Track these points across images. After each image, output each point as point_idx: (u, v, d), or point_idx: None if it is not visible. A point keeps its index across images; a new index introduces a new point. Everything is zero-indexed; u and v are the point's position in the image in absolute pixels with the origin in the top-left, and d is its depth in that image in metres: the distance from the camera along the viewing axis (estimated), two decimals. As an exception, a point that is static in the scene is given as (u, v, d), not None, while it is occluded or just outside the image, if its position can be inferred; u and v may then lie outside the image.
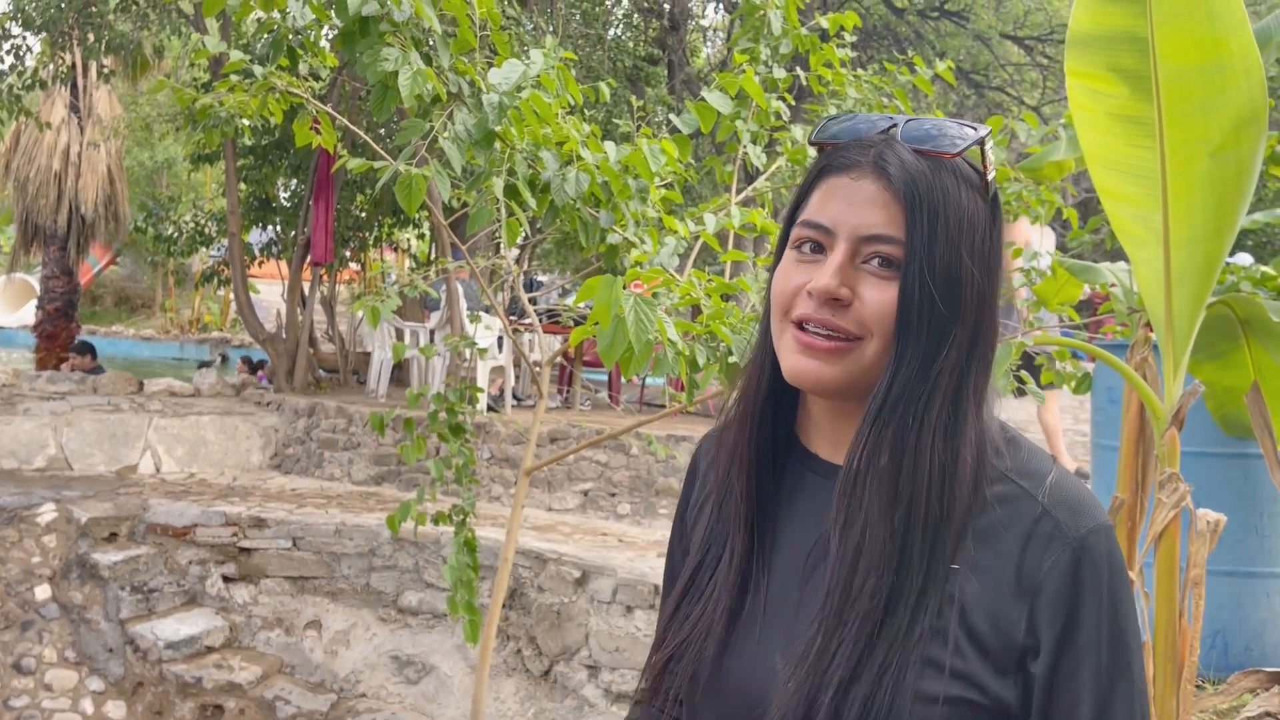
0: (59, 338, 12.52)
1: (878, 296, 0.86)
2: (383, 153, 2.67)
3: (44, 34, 8.94)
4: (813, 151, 3.38)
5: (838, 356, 0.87)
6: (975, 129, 0.89)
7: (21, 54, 9.31)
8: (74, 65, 11.77)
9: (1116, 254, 2.54)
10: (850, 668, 0.83)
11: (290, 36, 2.51)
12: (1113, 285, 2.64)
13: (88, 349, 10.58)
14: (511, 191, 2.61)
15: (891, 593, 0.84)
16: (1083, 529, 0.85)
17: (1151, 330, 2.27)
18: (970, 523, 0.86)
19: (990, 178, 0.89)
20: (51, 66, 10.00)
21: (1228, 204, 1.86)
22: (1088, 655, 0.83)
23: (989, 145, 0.89)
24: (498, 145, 2.58)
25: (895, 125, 0.90)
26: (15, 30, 9.06)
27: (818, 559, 0.91)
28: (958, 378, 0.87)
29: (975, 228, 0.87)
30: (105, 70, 10.92)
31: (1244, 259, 5.31)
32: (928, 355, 0.86)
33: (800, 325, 0.89)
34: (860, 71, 3.86)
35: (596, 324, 1.86)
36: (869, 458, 0.87)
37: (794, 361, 0.89)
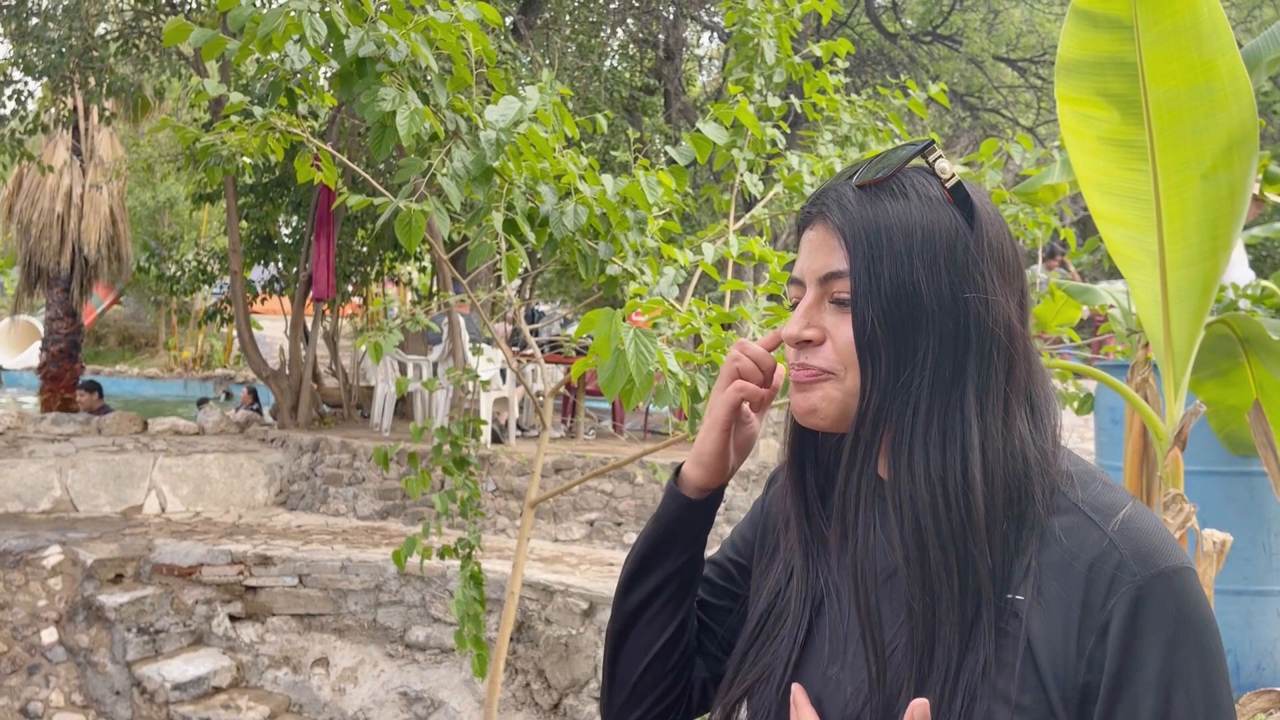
0: (63, 379, 12.54)
1: (841, 330, 0.90)
2: (383, 189, 2.68)
3: (45, 79, 9.03)
4: (809, 179, 3.40)
5: (817, 384, 0.92)
6: (913, 145, 0.91)
7: (23, 99, 9.40)
8: (75, 109, 11.87)
9: (1117, 273, 2.54)
10: (908, 698, 0.84)
11: (289, 78, 2.54)
12: (1111, 306, 2.64)
13: (94, 387, 10.60)
14: (511, 226, 2.63)
15: (928, 622, 0.84)
16: (1152, 569, 0.81)
17: (1151, 351, 2.27)
18: (1033, 555, 0.84)
19: (950, 184, 0.90)
20: (53, 111, 10.08)
21: (1222, 224, 1.87)
22: (1144, 702, 0.78)
23: (934, 155, 0.90)
24: (496, 180, 2.60)
25: (856, 171, 0.94)
26: (17, 76, 9.15)
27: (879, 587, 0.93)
28: (945, 390, 0.87)
29: (935, 238, 0.88)
30: (106, 113, 11.01)
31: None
32: (897, 373, 0.88)
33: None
34: (854, 97, 3.89)
35: (597, 357, 1.87)
36: (863, 477, 0.91)
37: (792, 402, 0.95)
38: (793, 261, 3.03)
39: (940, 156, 0.91)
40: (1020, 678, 0.81)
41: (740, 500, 6.51)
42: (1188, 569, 0.82)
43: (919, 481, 0.86)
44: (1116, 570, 0.81)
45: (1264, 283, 3.16)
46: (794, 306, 0.96)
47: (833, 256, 0.91)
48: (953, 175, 0.91)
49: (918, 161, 0.91)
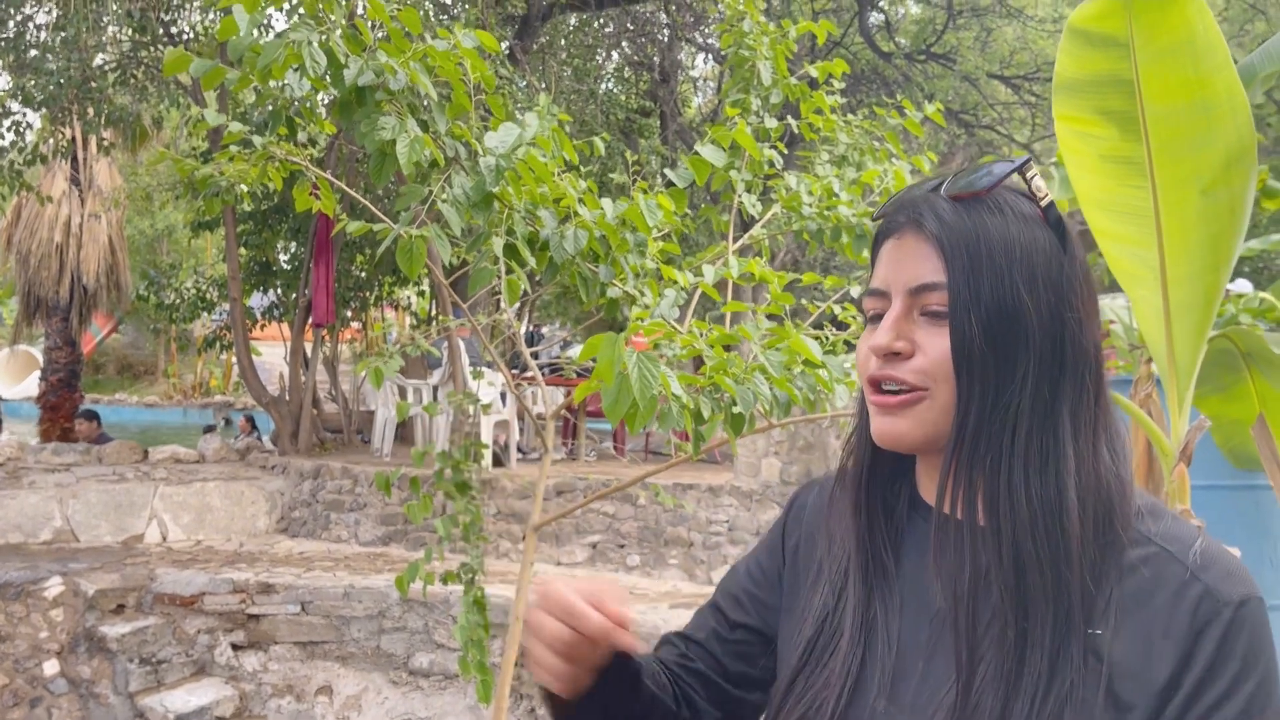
0: (62, 408, 12.54)
1: (934, 343, 0.87)
2: (382, 216, 2.69)
3: (44, 110, 9.07)
4: (807, 199, 3.40)
5: (906, 409, 0.89)
6: (1011, 162, 0.90)
7: (22, 130, 9.44)
8: (74, 139, 11.92)
9: (1118, 288, 2.55)
10: None
11: (289, 107, 2.55)
12: (1113, 322, 2.64)
13: (93, 416, 10.59)
14: (511, 250, 2.63)
15: (1018, 647, 0.82)
16: (1235, 596, 0.81)
17: (1154, 366, 2.27)
18: (1114, 587, 0.84)
19: (1045, 204, 0.90)
20: (51, 141, 10.12)
21: (1223, 239, 1.88)
22: (1221, 713, 0.79)
23: (1031, 174, 0.89)
24: (496, 205, 2.61)
25: (942, 182, 0.92)
26: (15, 107, 9.20)
27: (943, 615, 0.89)
28: (1044, 410, 0.86)
29: (1033, 256, 0.87)
30: (105, 143, 11.07)
31: (1244, 285, 5.32)
32: (998, 391, 0.85)
33: (875, 387, 0.91)
34: (851, 117, 3.90)
35: (601, 381, 1.87)
36: (957, 503, 0.88)
37: (875, 425, 0.92)
38: (794, 281, 3.03)
39: (1037, 174, 0.90)
40: (1102, 710, 0.81)
41: (744, 521, 6.49)
42: (1261, 599, 0.84)
43: (1020, 506, 0.84)
44: (1199, 602, 0.81)
45: (1263, 295, 3.17)
46: (872, 319, 0.93)
47: (925, 266, 0.88)
48: (1047, 195, 0.90)
49: (1013, 178, 0.90)
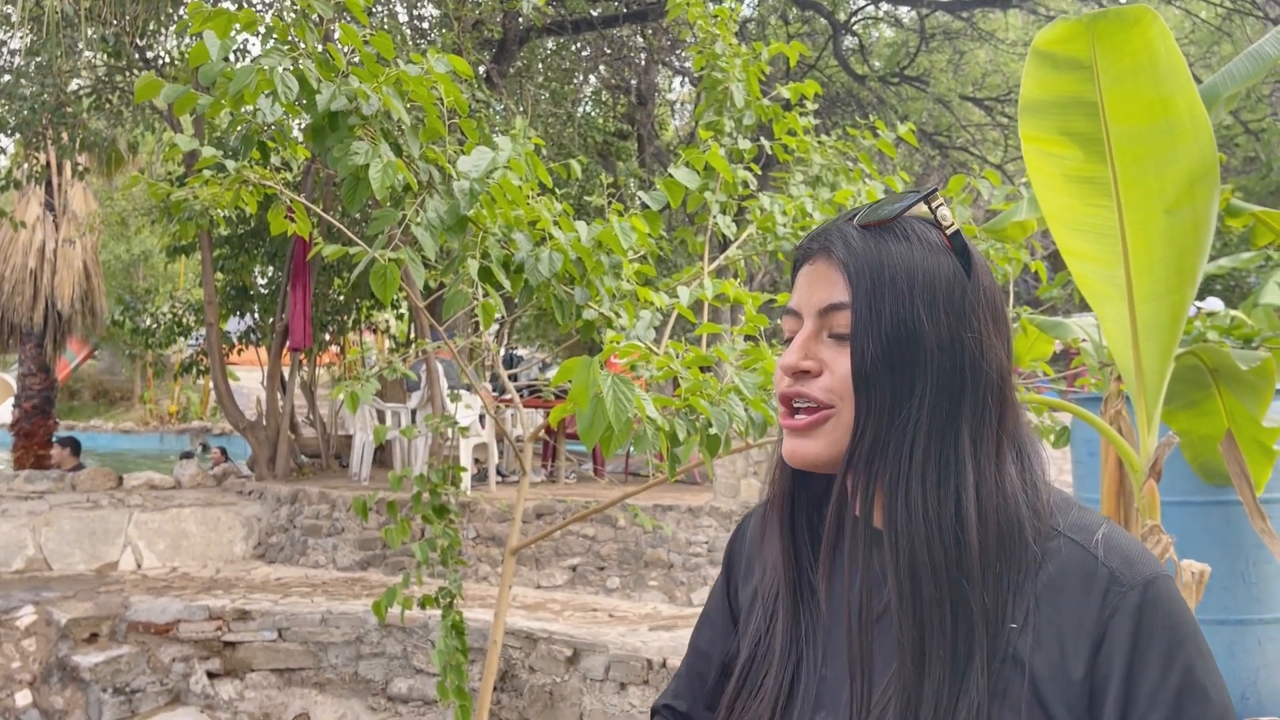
0: (36, 435, 12.39)
1: (839, 362, 0.91)
2: (358, 240, 2.69)
3: (17, 135, 9.02)
4: (781, 219, 3.43)
5: (814, 429, 0.92)
6: (918, 193, 0.93)
7: (-4, 155, 9.38)
8: (48, 164, 11.86)
9: (1088, 306, 2.58)
10: None
11: (261, 131, 2.55)
12: (1083, 340, 2.67)
13: (71, 443, 10.46)
14: (486, 273, 2.63)
15: (916, 659, 0.85)
16: (1139, 578, 0.85)
17: (1123, 383, 2.30)
18: (1025, 581, 0.87)
19: (950, 232, 0.93)
20: (26, 166, 10.06)
21: (1187, 258, 1.91)
22: (1155, 707, 0.82)
23: (937, 203, 0.93)
24: (471, 229, 2.61)
25: (857, 213, 0.96)
26: (-11, 132, 9.13)
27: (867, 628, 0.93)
28: (941, 428, 0.89)
29: (934, 282, 0.90)
30: (80, 168, 11.00)
31: (1215, 304, 5.39)
32: (894, 409, 0.89)
33: (788, 407, 0.94)
34: (824, 138, 3.94)
35: (576, 405, 1.87)
36: (858, 513, 0.92)
37: (785, 446, 0.95)
38: (769, 302, 3.05)
39: (943, 204, 0.93)
40: (1027, 707, 0.83)
41: (724, 542, 6.48)
42: (1167, 576, 0.87)
43: (916, 519, 0.87)
44: (1108, 585, 0.85)
45: (1234, 313, 3.21)
46: (789, 341, 0.97)
47: (833, 289, 0.92)
48: (953, 224, 0.94)
49: (921, 209, 0.94)
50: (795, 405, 0.94)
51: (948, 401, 0.89)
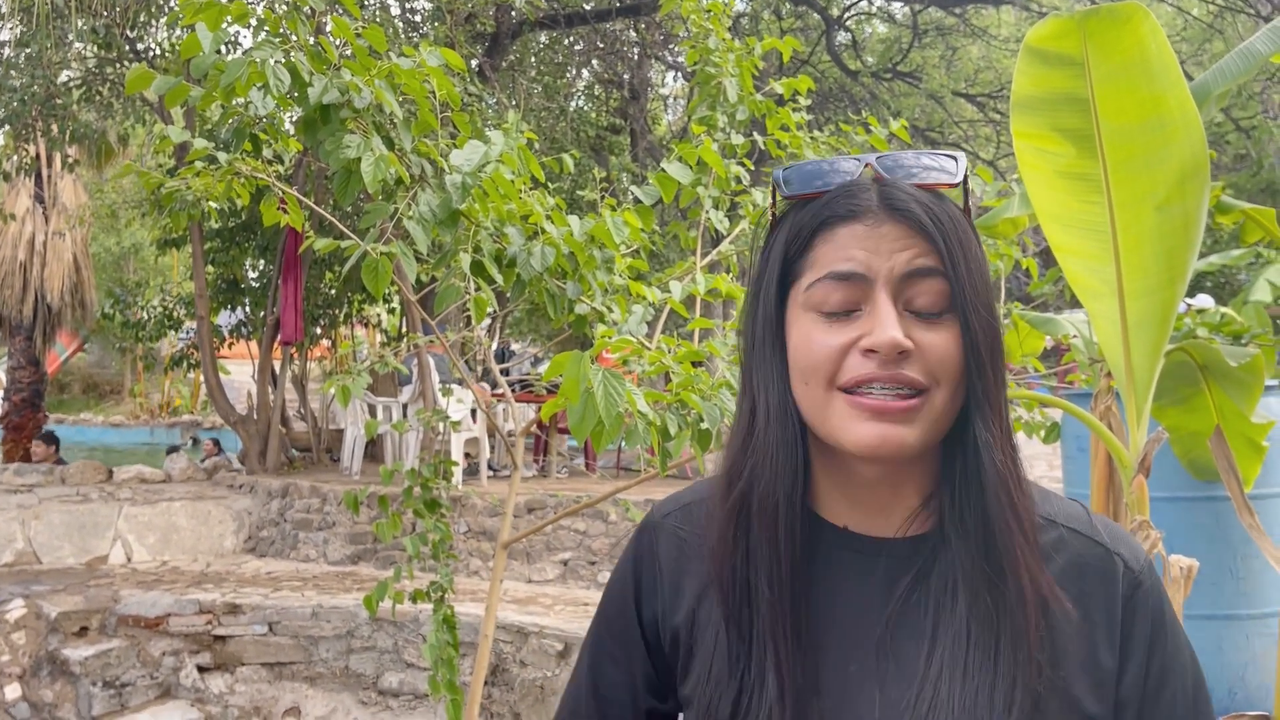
0: (26, 429, 12.32)
1: (933, 340, 0.79)
2: (349, 233, 2.68)
3: (7, 127, 8.97)
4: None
5: (914, 414, 0.79)
6: (954, 156, 0.83)
7: (-15, 147, 9.33)
8: (38, 156, 11.78)
9: (1079, 302, 2.59)
10: None
11: (253, 124, 2.54)
12: (1074, 336, 2.68)
13: (52, 439, 10.43)
14: (478, 268, 2.63)
15: (987, 664, 0.80)
16: (1143, 559, 0.87)
17: (1113, 379, 2.31)
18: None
19: (973, 205, 0.88)
20: (15, 158, 10.00)
21: (1177, 254, 1.91)
22: (1172, 675, 0.85)
23: (971, 170, 0.88)
24: (463, 223, 2.61)
25: (869, 164, 0.84)
26: (-22, 124, 9.08)
27: (888, 643, 0.83)
28: (1003, 424, 0.82)
29: (982, 257, 0.84)
30: (70, 160, 10.94)
31: (1205, 300, 5.41)
32: (996, 399, 0.81)
33: (852, 390, 0.80)
34: (817, 134, 3.94)
35: (567, 399, 1.87)
36: (957, 523, 0.82)
37: (866, 431, 0.79)
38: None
39: (972, 173, 0.88)
40: (1059, 700, 0.81)
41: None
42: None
43: (1012, 524, 0.81)
44: (1123, 572, 0.85)
45: (1224, 310, 3.22)
46: (838, 315, 0.81)
47: (916, 251, 0.79)
48: (979, 196, 0.89)
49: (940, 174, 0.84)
50: (876, 389, 0.79)
51: (1002, 396, 0.83)
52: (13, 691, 5.51)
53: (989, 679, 0.79)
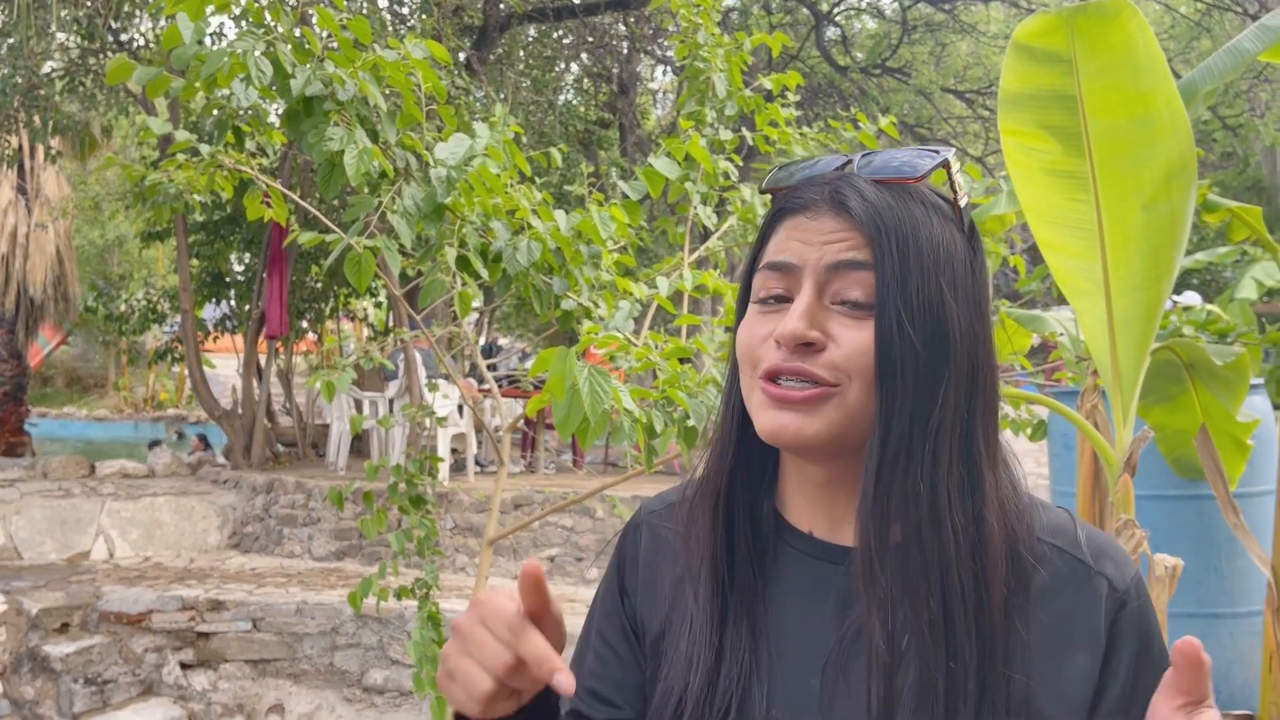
0: (8, 423, 12.23)
1: (852, 336, 0.77)
2: (334, 226, 2.66)
3: (-11, 118, 8.89)
4: (761, 211, 3.42)
5: (815, 406, 0.77)
6: (937, 152, 0.81)
7: (-34, 138, 9.24)
8: (21, 147, 11.68)
9: (1065, 300, 2.58)
10: None
11: (236, 116, 2.51)
12: (1060, 334, 2.68)
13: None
14: (463, 262, 2.61)
15: (948, 692, 0.75)
16: (1129, 577, 0.82)
17: (1099, 377, 2.30)
18: (1016, 594, 0.79)
19: (963, 205, 0.82)
20: (-3, 149, 9.92)
21: (1163, 253, 1.91)
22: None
23: (956, 170, 0.81)
24: (448, 217, 2.59)
25: (851, 161, 0.83)
26: (-40, 115, 8.99)
27: (840, 661, 0.80)
28: (961, 430, 0.78)
29: (954, 259, 0.79)
30: (53, 151, 10.85)
31: (1192, 298, 5.43)
32: (921, 404, 0.76)
33: (772, 379, 0.79)
34: (806, 129, 3.92)
35: (552, 396, 1.86)
36: (882, 533, 0.77)
37: (768, 419, 0.79)
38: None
39: (960, 170, 0.82)
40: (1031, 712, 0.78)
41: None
42: (1138, 568, 0.85)
43: (945, 531, 0.76)
44: (1107, 592, 0.81)
45: (1210, 307, 3.23)
46: (766, 300, 0.81)
47: (846, 245, 0.78)
48: (966, 194, 0.83)
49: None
50: (783, 381, 0.78)
51: (966, 399, 0.78)
52: (-7, 688, 5.47)
53: (940, 709, 0.75)
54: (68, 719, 5.45)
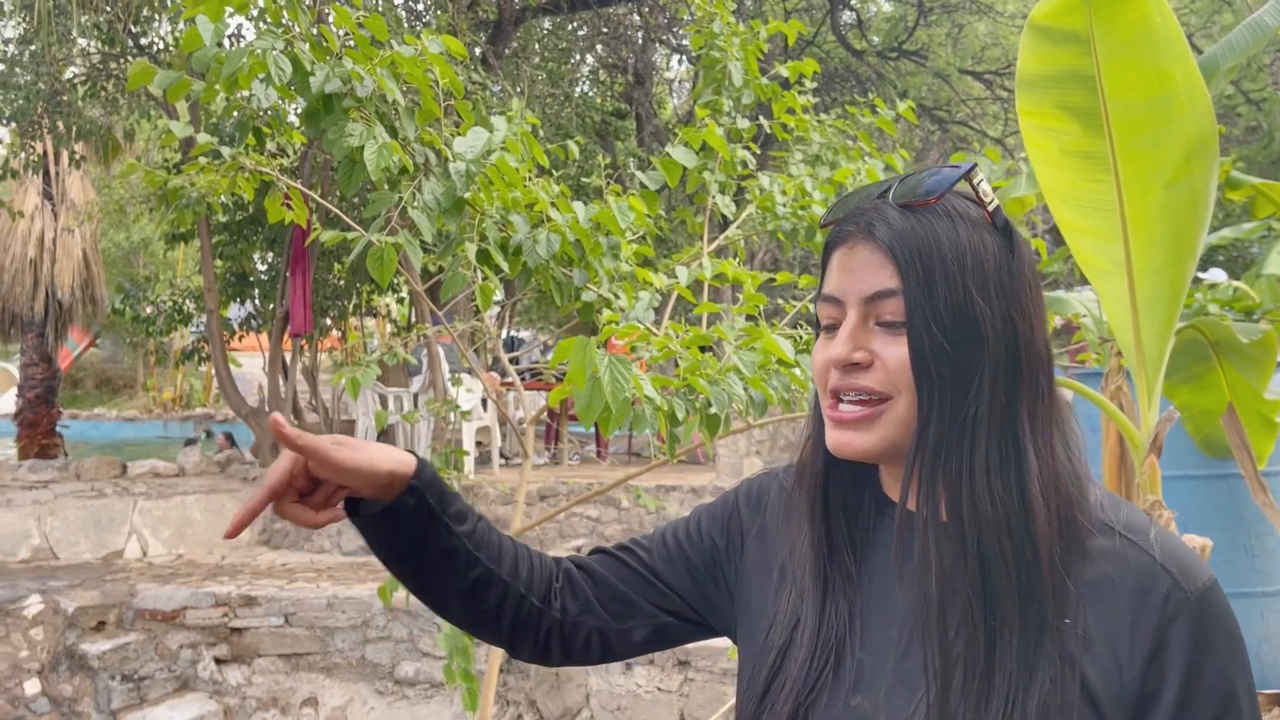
0: (40, 425, 12.38)
1: (893, 352, 0.88)
2: (354, 224, 2.68)
3: (13, 125, 8.98)
4: (780, 199, 3.41)
5: (869, 423, 0.90)
6: (957, 168, 0.90)
7: (-8, 145, 9.34)
8: (45, 153, 11.81)
9: (1086, 280, 2.56)
10: None
11: (256, 117, 2.54)
12: (1083, 315, 2.66)
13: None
14: (484, 256, 2.62)
15: (989, 648, 0.83)
16: (1199, 583, 0.84)
17: (1123, 358, 2.29)
18: (1076, 577, 0.85)
19: (992, 209, 0.91)
20: (23, 156, 10.03)
21: (1186, 232, 1.90)
22: (1207, 709, 0.82)
23: (978, 179, 0.90)
24: (468, 211, 2.60)
25: (889, 189, 0.92)
26: (-15, 122, 9.10)
27: (912, 616, 0.90)
28: (1001, 413, 0.87)
29: (984, 261, 0.88)
30: (77, 156, 10.96)
31: (1218, 275, 5.37)
32: (956, 398, 0.86)
33: (835, 399, 0.92)
34: (823, 116, 3.91)
35: (573, 385, 1.87)
36: (924, 506, 0.88)
37: (833, 438, 0.92)
38: (769, 280, 3.04)
39: (984, 179, 0.91)
40: (1080, 709, 0.82)
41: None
42: (1218, 582, 0.87)
43: (984, 509, 0.85)
44: (1169, 590, 0.83)
45: (1236, 284, 3.20)
46: (828, 328, 0.93)
47: (880, 275, 0.89)
48: (994, 199, 0.91)
49: (959, 184, 0.90)
50: (844, 398, 0.91)
51: (1006, 386, 0.87)
52: (32, 687, 5.56)
53: (982, 659, 0.83)
54: (106, 715, 5.54)
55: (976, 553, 0.85)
